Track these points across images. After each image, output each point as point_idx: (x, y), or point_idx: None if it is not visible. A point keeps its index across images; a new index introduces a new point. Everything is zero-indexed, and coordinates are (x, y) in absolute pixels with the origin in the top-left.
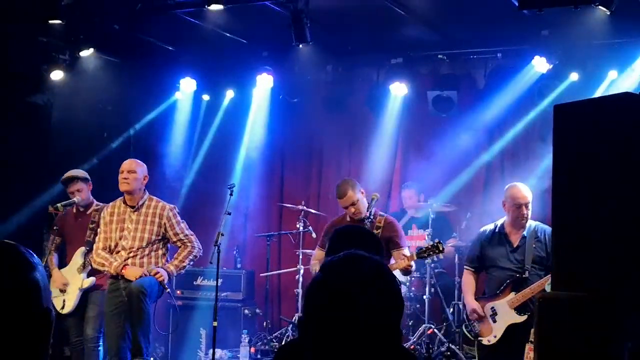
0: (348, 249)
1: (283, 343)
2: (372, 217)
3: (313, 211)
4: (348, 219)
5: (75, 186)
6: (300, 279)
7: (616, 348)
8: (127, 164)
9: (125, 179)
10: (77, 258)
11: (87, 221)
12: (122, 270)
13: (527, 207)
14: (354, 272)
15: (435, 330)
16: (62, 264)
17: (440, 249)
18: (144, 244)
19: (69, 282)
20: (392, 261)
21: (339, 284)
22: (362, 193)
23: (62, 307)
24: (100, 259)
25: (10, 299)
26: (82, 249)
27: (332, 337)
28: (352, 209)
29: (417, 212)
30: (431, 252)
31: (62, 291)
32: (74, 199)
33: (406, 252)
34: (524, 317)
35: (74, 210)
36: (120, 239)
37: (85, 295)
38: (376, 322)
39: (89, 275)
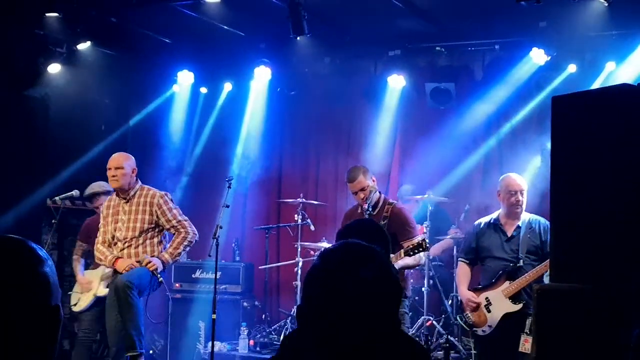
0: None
1: (289, 331)
2: (370, 208)
3: (313, 202)
4: (359, 210)
5: (99, 201)
6: (299, 271)
7: (618, 338)
8: (114, 160)
9: (113, 176)
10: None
11: None
12: (114, 264)
13: (521, 194)
14: (351, 259)
15: (434, 322)
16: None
17: (424, 246)
18: (137, 234)
19: (92, 284)
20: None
21: (337, 271)
22: (374, 181)
23: (75, 304)
24: (99, 253)
25: (19, 295)
26: None
27: (330, 323)
28: (362, 195)
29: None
30: (417, 250)
31: (84, 291)
32: (72, 192)
33: (416, 241)
34: (519, 306)
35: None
36: (115, 230)
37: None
38: (373, 307)
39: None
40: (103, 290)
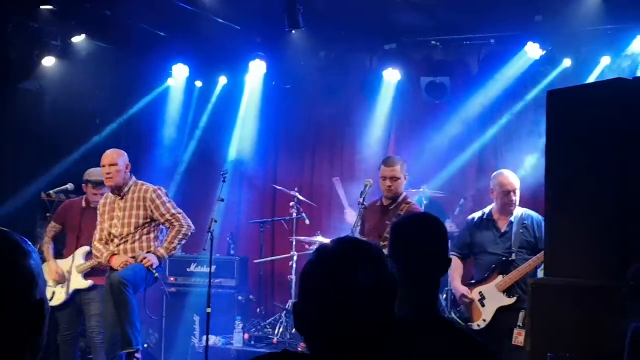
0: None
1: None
2: (365, 203)
3: (306, 200)
4: (378, 203)
5: (103, 190)
6: (294, 265)
7: (613, 332)
8: (107, 157)
9: (108, 174)
10: (79, 257)
11: (94, 220)
12: (110, 261)
13: (514, 193)
14: (349, 254)
15: None
16: (58, 253)
17: None
18: (133, 229)
19: (65, 276)
20: None
21: (334, 268)
22: (406, 178)
23: (50, 299)
24: (96, 251)
25: (1, 288)
26: (86, 248)
27: (329, 320)
28: (389, 183)
29: None
30: None
31: (57, 283)
32: (67, 185)
33: None
34: (513, 300)
35: (83, 204)
36: (110, 227)
37: (81, 293)
38: (373, 302)
39: (86, 276)
40: (83, 283)
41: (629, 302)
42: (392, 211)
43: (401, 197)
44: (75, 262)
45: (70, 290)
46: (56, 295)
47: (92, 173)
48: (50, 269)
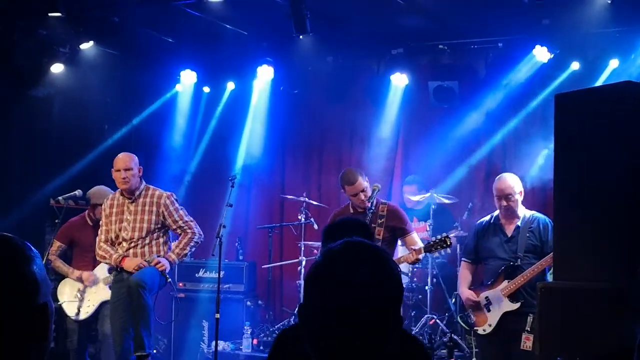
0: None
1: (285, 328)
2: (373, 207)
3: (314, 202)
4: (351, 210)
5: (99, 211)
6: (302, 270)
7: (622, 335)
8: (122, 161)
9: (123, 178)
10: (104, 271)
11: None
12: (121, 263)
13: (507, 199)
14: (354, 256)
15: (438, 320)
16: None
17: (448, 243)
18: (144, 234)
19: (91, 290)
20: (398, 252)
21: (340, 268)
22: (367, 182)
23: (77, 314)
24: (102, 251)
25: (5, 294)
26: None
27: (332, 321)
28: (362, 196)
29: (418, 204)
30: (439, 246)
31: (78, 298)
32: (75, 192)
33: (414, 237)
34: (517, 305)
35: (91, 223)
36: (120, 230)
37: (108, 303)
38: (376, 305)
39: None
40: (109, 294)
41: (639, 304)
42: (374, 214)
43: (376, 200)
44: (102, 275)
45: (97, 303)
46: (83, 310)
47: (96, 195)
48: (83, 278)
